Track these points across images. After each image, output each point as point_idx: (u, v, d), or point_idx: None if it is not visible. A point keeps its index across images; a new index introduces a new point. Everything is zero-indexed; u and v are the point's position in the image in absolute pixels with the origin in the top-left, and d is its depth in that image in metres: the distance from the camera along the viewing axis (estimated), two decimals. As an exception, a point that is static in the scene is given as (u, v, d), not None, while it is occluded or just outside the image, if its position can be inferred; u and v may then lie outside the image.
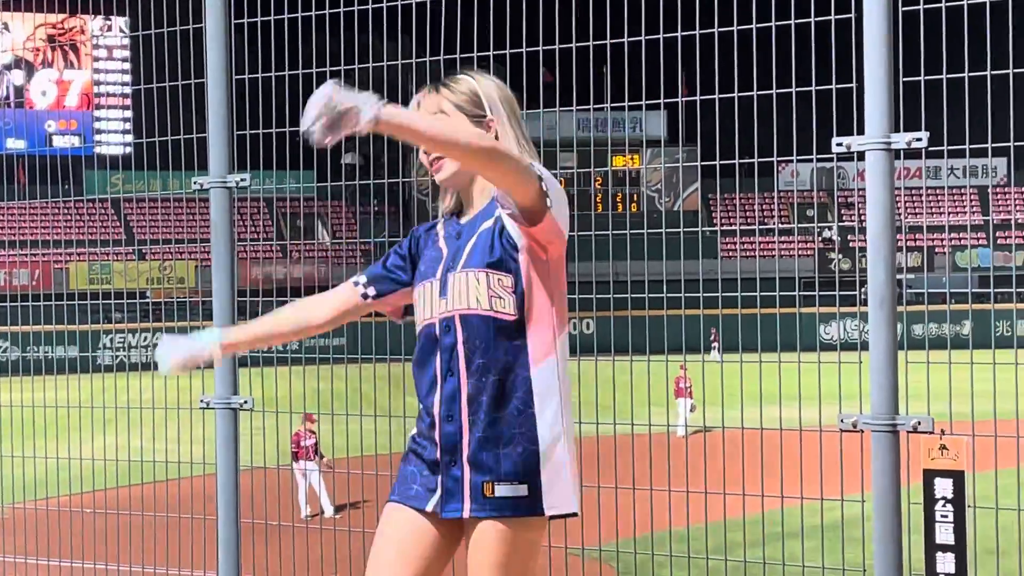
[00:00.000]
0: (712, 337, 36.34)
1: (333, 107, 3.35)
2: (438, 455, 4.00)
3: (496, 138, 4.02)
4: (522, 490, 3.89)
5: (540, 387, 3.95)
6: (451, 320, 4.00)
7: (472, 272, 3.98)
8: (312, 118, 3.34)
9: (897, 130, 4.86)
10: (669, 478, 6.23)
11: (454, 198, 4.22)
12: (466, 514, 3.93)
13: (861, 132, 4.91)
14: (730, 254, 62.75)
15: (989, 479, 5.55)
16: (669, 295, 6.85)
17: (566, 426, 3.99)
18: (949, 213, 63.91)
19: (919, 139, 4.82)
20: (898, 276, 5.00)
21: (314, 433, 17.68)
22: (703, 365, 7.26)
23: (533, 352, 3.95)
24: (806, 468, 5.82)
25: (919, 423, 4.79)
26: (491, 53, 5.97)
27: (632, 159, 65.80)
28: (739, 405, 6.39)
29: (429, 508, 4.02)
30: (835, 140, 4.96)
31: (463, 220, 4.14)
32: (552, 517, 4.01)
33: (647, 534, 6.85)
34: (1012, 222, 61.33)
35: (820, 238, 63.93)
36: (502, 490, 3.89)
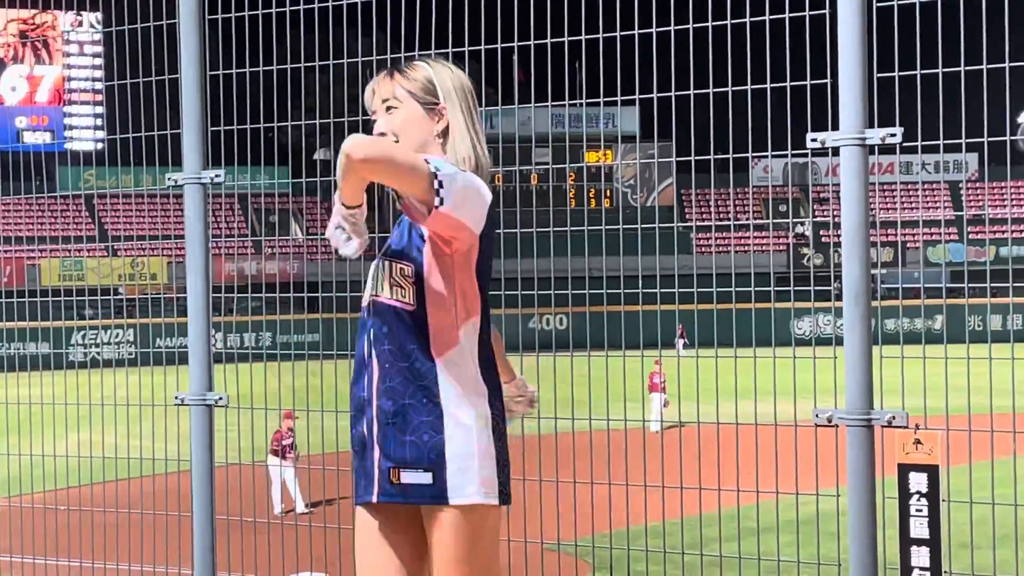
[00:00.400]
0: (679, 332, 36.39)
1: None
2: (365, 436, 4.07)
3: (447, 126, 4.11)
4: (426, 478, 3.93)
5: (445, 377, 3.98)
6: (370, 306, 4.11)
7: (385, 260, 4.09)
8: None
9: (871, 126, 4.86)
10: (645, 473, 6.24)
11: None
12: (374, 498, 4.01)
13: (835, 128, 4.91)
14: (704, 250, 62.90)
15: (963, 473, 5.58)
16: (643, 291, 6.85)
17: (479, 416, 4.00)
18: (922, 208, 64.17)
19: (893, 134, 4.82)
20: (871, 271, 5.01)
21: (292, 431, 17.65)
22: (678, 360, 7.28)
23: (435, 343, 3.99)
24: (781, 463, 5.83)
25: (894, 418, 4.80)
26: (466, 49, 5.96)
27: (605, 155, 65.87)
28: (714, 400, 6.40)
29: (374, 499, 4.06)
30: (809, 136, 4.96)
31: None
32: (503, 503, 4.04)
33: (622, 529, 6.86)
34: (985, 217, 61.65)
35: (793, 233, 64.14)
36: (407, 477, 3.94)
